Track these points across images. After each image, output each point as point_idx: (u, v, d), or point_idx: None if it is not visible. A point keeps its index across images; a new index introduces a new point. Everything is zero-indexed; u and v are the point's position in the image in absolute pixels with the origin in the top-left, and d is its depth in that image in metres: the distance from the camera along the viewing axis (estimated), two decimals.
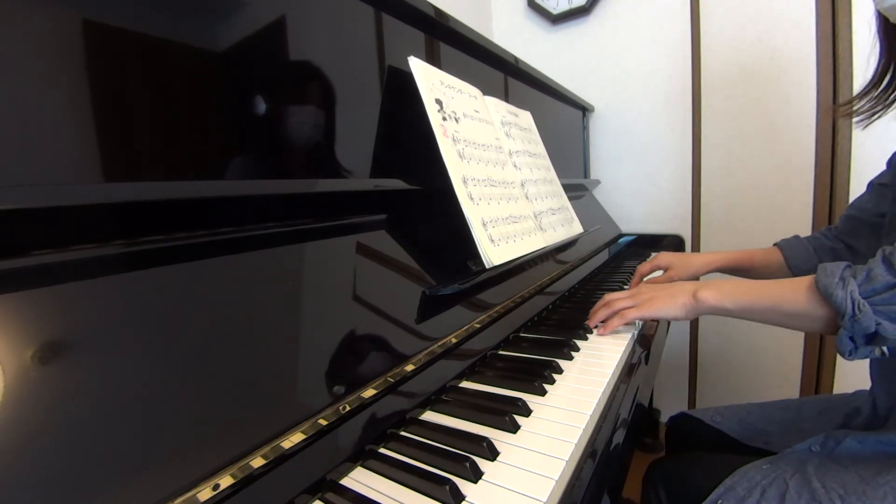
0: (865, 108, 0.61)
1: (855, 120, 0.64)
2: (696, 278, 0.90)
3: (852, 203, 0.78)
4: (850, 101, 0.63)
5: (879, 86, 0.59)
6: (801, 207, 1.24)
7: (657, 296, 0.63)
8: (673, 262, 0.93)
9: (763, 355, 1.34)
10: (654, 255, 1.02)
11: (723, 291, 0.58)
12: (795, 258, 0.83)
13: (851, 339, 0.47)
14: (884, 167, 0.71)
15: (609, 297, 0.70)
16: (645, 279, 0.95)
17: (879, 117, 0.61)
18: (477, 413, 0.46)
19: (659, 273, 0.95)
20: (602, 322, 0.67)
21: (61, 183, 0.32)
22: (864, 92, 0.61)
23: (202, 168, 0.43)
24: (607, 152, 1.56)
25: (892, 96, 0.59)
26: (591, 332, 0.67)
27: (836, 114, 0.66)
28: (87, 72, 0.34)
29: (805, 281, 0.52)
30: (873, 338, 0.46)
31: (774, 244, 0.88)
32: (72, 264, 0.31)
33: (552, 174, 1.00)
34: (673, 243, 1.43)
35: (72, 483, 0.25)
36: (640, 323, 0.69)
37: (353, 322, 0.46)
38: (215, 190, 0.41)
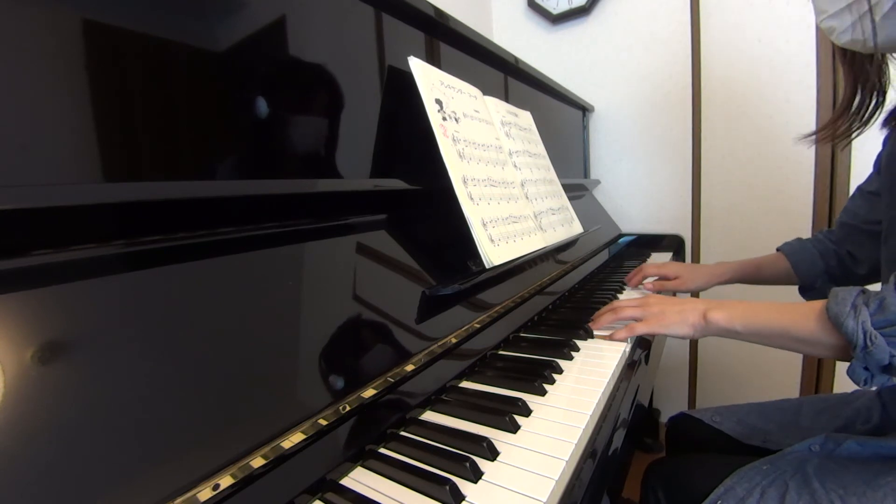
0: (842, 130, 0.62)
1: (835, 142, 0.64)
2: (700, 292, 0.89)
3: (845, 208, 0.78)
4: (826, 128, 0.63)
5: (850, 109, 0.60)
6: (802, 207, 1.24)
7: (666, 311, 0.63)
8: (681, 273, 0.92)
9: (763, 355, 1.34)
10: (652, 255, 1.02)
11: (734, 313, 0.58)
12: (801, 264, 0.82)
13: (866, 368, 0.46)
14: None
15: (616, 303, 0.69)
16: (647, 280, 0.95)
17: (858, 136, 0.62)
18: (477, 413, 0.46)
19: (654, 279, 0.95)
20: (606, 327, 0.67)
21: (61, 183, 0.32)
22: (836, 117, 0.62)
23: (202, 168, 0.43)
24: (607, 152, 1.56)
25: (867, 115, 0.59)
26: (592, 333, 0.67)
27: (818, 141, 0.66)
28: (87, 71, 0.34)
29: (817, 307, 0.51)
30: (888, 368, 0.44)
31: (778, 249, 0.87)
32: (72, 264, 0.31)
33: (552, 174, 1.00)
34: (673, 243, 1.43)
35: (72, 483, 0.25)
36: None
37: (353, 322, 0.46)
38: (215, 190, 0.41)
